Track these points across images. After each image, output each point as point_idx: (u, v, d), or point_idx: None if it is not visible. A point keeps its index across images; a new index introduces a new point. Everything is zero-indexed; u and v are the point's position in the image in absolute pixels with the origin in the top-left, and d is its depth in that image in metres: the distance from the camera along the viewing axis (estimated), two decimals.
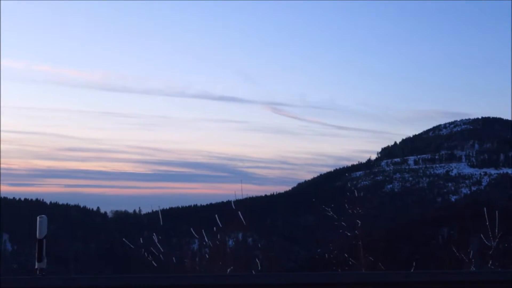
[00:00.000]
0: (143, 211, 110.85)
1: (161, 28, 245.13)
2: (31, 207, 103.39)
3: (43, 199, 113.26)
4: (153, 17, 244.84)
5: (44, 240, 5.53)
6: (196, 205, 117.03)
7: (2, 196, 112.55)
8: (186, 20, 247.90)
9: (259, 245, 15.83)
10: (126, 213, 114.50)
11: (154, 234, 11.91)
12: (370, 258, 13.20)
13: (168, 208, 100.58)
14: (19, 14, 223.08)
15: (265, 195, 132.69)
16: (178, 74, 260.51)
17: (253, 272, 11.32)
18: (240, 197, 11.89)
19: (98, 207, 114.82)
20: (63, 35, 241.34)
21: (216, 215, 11.76)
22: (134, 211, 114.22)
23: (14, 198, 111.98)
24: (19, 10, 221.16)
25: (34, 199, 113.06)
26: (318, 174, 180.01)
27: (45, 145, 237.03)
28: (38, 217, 5.57)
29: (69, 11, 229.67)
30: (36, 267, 5.39)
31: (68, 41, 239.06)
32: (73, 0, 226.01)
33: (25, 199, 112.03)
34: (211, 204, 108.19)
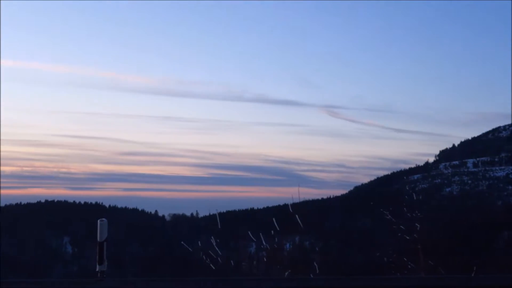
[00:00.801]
0: (200, 214, 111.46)
1: (219, 32, 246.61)
2: (90, 211, 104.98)
3: (102, 203, 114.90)
4: (211, 21, 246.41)
5: (105, 243, 5.60)
6: (253, 208, 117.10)
7: (63, 199, 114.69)
8: (243, 24, 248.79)
9: (317, 249, 15.73)
10: (183, 216, 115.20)
11: (212, 237, 11.95)
12: (430, 262, 13.01)
13: (225, 211, 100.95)
14: (84, 22, 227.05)
15: (322, 198, 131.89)
16: (236, 79, 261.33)
17: (311, 276, 11.26)
18: (297, 201, 11.83)
19: (156, 211, 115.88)
20: (124, 42, 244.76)
21: (273, 219, 11.73)
22: (192, 214, 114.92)
23: (74, 201, 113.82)
24: (83, 19, 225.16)
25: (93, 202, 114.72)
26: (375, 177, 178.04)
27: (104, 150, 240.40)
28: (98, 220, 5.64)
29: (129, 18, 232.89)
30: (97, 269, 5.45)
31: (128, 47, 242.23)
32: (132, 5, 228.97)
33: (85, 203, 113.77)
34: (268, 207, 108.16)
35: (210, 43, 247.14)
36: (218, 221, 13.76)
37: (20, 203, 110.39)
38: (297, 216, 11.35)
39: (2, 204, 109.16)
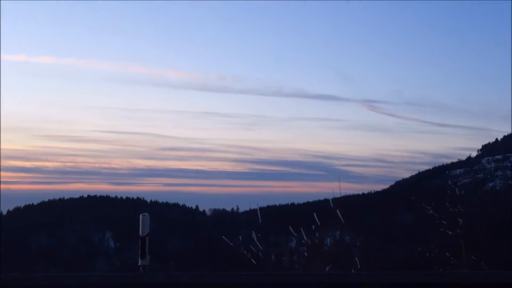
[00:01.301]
0: (241, 209, 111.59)
1: (257, 28, 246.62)
2: (132, 206, 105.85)
3: (143, 198, 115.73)
4: (249, 17, 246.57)
5: (147, 238, 5.63)
6: (293, 203, 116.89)
7: (105, 194, 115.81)
8: (282, 19, 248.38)
9: (358, 244, 15.67)
10: (224, 211, 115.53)
11: (253, 232, 11.95)
12: (473, 257, 12.86)
13: (265, 206, 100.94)
14: (125, 19, 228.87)
15: (362, 193, 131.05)
16: (275, 74, 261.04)
17: (352, 271, 11.21)
18: (337, 195, 11.79)
19: (197, 206, 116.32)
20: (164, 38, 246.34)
21: (314, 213, 11.70)
22: (232, 209, 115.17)
23: (116, 196, 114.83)
24: (126, 16, 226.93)
25: (135, 197, 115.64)
26: (416, 172, 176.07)
27: (145, 145, 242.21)
28: (141, 215, 5.67)
29: (169, 15, 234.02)
30: (139, 264, 5.50)
31: (169, 44, 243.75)
32: (171, 2, 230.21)
33: (127, 198, 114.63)
34: (308, 202, 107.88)
35: (249, 38, 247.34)
36: (259, 216, 13.75)
37: (63, 198, 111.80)
38: (338, 211, 11.30)
39: (46, 199, 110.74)
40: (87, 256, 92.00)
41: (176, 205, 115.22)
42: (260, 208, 14.96)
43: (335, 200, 11.71)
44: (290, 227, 12.87)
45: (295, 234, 12.70)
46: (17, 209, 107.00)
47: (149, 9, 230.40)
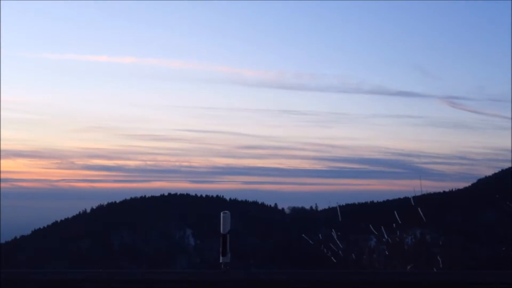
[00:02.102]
0: (320, 208, 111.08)
1: (334, 24, 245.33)
2: (212, 204, 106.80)
3: (223, 196, 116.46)
4: (325, 13, 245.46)
5: (228, 235, 5.69)
6: (373, 201, 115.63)
7: (185, 192, 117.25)
8: (358, 14, 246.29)
9: (440, 242, 15.42)
10: (303, 210, 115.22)
11: (332, 230, 11.91)
12: None
13: (344, 204, 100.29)
14: (200, 19, 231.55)
15: (443, 191, 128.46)
16: (353, 70, 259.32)
17: (435, 270, 11.04)
18: (418, 193, 11.61)
19: (275, 204, 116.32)
20: (240, 36, 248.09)
21: (395, 212, 11.57)
22: (311, 207, 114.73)
23: (196, 194, 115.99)
24: (200, 15, 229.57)
25: (214, 195, 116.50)
26: (500, 170, 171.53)
27: (224, 144, 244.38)
28: (222, 213, 5.73)
29: (244, 13, 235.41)
30: (220, 261, 5.55)
31: (245, 42, 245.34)
32: (245, 2, 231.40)
33: (206, 196, 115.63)
34: (387, 200, 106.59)
35: (327, 35, 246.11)
36: (339, 214, 13.70)
37: (145, 196, 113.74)
38: (419, 209, 11.14)
39: (128, 197, 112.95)
40: (168, 253, 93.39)
41: (255, 203, 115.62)
42: (340, 206, 14.89)
43: (416, 198, 11.55)
44: (370, 225, 12.75)
45: (376, 233, 12.58)
46: (100, 207, 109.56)
47: (226, 9, 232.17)
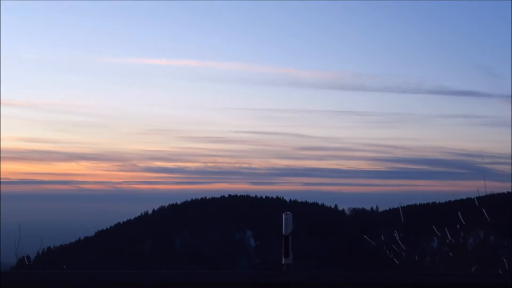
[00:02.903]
0: (380, 209, 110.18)
1: (393, 24, 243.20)
2: (272, 205, 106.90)
3: (283, 197, 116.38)
4: (382, 14, 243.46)
5: (290, 236, 5.68)
6: (434, 202, 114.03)
7: (245, 194, 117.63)
8: (419, 15, 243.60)
9: (506, 244, 15.11)
10: (363, 211, 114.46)
11: (395, 231, 11.79)
12: None
13: (405, 205, 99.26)
14: (260, 22, 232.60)
15: (507, 192, 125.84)
16: (413, 70, 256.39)
17: (500, 271, 10.83)
18: (482, 194, 11.44)
19: (336, 205, 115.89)
20: (300, 38, 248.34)
21: (459, 212, 11.40)
22: (371, 208, 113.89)
23: (256, 196, 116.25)
24: (259, 19, 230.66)
25: (274, 197, 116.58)
26: None
27: (284, 145, 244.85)
28: (283, 214, 5.73)
29: (303, 13, 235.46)
30: (283, 262, 5.55)
31: (305, 43, 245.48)
32: (305, 4, 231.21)
33: (266, 197, 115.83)
34: (449, 201, 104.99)
35: (385, 35, 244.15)
36: (401, 215, 13.56)
37: (205, 198, 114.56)
38: (484, 210, 10.96)
39: (189, 199, 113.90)
40: (229, 254, 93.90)
41: (315, 204, 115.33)
42: (402, 207, 14.74)
43: (480, 198, 11.35)
44: (433, 226, 12.58)
45: (439, 234, 12.41)
46: (161, 209, 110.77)
47: (286, 11, 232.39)
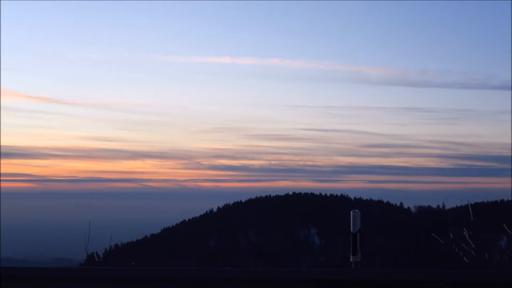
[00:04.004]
0: (447, 206, 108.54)
1: (457, 20, 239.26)
2: (336, 203, 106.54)
3: (347, 195, 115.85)
4: (446, 11, 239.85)
5: (358, 234, 5.64)
6: (503, 199, 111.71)
7: (310, 191, 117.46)
8: (482, 10, 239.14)
9: None
10: (429, 208, 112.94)
11: (464, 229, 11.60)
12: None
13: (472, 203, 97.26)
14: (317, 20, 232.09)
15: None
16: (480, 66, 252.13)
17: None
18: None
19: (401, 202, 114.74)
20: (362, 35, 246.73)
21: None
22: (438, 206, 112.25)
23: (320, 194, 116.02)
24: (318, 17, 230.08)
25: (338, 194, 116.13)
26: None
27: (348, 142, 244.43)
28: (351, 212, 5.69)
29: (368, 12, 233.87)
30: (351, 260, 5.51)
31: (367, 40, 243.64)
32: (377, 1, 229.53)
33: (331, 195, 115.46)
34: None
35: (449, 31, 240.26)
36: (471, 213, 13.32)
37: (269, 195, 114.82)
38: None
39: (253, 196, 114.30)
40: (293, 252, 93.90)
41: (380, 202, 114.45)
42: (471, 205, 14.49)
43: None
44: (504, 224, 12.32)
45: (510, 232, 12.15)
46: (226, 206, 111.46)
47: (347, 8, 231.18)
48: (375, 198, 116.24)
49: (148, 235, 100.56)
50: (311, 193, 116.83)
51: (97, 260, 11.87)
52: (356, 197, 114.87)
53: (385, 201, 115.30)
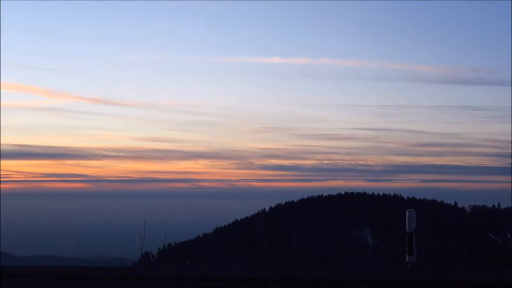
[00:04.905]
0: (502, 206, 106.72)
1: (506, 17, 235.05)
2: (389, 202, 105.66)
3: (400, 194, 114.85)
4: (499, 8, 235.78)
5: (414, 234, 5.59)
6: None
7: (362, 191, 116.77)
8: None
9: None
10: (484, 208, 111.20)
11: None
12: None
13: None
14: (366, 19, 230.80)
15: None
16: None
17: None
18: None
19: (455, 202, 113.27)
20: (413, 33, 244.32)
21: None
22: (493, 205, 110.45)
23: (373, 193, 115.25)
24: (368, 16, 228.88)
25: (391, 194, 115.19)
26: None
27: (400, 141, 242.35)
28: (407, 211, 5.65)
29: (415, 10, 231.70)
30: (406, 260, 5.47)
31: (419, 38, 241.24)
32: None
33: (383, 194, 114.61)
34: None
35: (502, 27, 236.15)
36: None
37: (321, 195, 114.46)
38: None
39: (305, 196, 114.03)
40: (346, 252, 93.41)
41: (433, 202, 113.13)
42: None
43: None
44: None
45: None
46: (278, 206, 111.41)
47: (396, 7, 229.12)
48: (429, 197, 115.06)
49: (201, 235, 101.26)
50: (364, 192, 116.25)
51: (152, 259, 11.98)
52: (409, 197, 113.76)
53: (438, 201, 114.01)
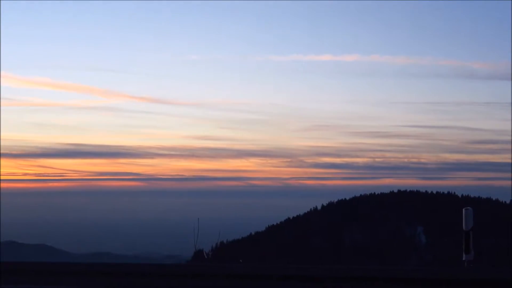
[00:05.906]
0: None
1: None
2: (443, 200, 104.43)
3: (454, 192, 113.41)
4: None
5: (471, 232, 5.51)
6: None
7: (415, 189, 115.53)
8: None
9: None
10: None
11: None
12: None
13: None
14: (415, 16, 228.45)
15: None
16: None
17: None
18: None
19: (511, 200, 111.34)
20: (465, 29, 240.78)
21: None
22: None
23: (426, 191, 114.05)
24: (415, 15, 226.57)
25: (445, 192, 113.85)
26: None
27: (454, 139, 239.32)
28: (464, 209, 5.58)
29: (464, 4, 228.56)
30: (463, 259, 5.39)
31: (472, 34, 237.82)
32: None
33: (437, 192, 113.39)
34: None
35: None
36: None
37: (374, 193, 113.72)
38: None
39: (358, 194, 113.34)
40: (399, 250, 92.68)
41: (488, 200, 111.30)
42: None
43: None
44: None
45: None
46: (330, 204, 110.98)
47: (452, 5, 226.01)
48: (483, 195, 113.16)
49: (253, 233, 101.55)
50: (417, 190, 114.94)
51: (205, 257, 12.07)
52: (464, 195, 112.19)
53: (494, 199, 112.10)
